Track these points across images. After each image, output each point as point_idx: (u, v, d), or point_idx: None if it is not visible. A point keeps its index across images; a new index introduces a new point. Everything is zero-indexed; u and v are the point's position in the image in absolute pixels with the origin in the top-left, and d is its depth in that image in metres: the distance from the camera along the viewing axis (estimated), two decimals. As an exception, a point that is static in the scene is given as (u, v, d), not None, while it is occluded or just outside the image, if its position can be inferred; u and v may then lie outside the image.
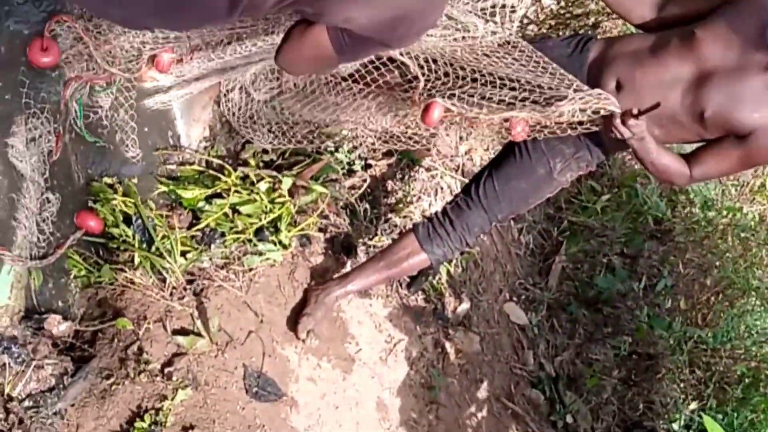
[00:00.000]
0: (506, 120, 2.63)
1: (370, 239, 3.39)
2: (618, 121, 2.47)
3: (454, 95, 2.62)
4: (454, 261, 3.70)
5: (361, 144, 3.44)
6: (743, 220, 5.18)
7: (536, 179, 2.97)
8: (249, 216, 2.90)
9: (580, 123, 2.53)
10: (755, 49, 2.62)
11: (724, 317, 4.98)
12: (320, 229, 3.24)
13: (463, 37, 2.76)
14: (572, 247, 4.41)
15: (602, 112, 2.48)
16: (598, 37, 3.09)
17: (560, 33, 3.77)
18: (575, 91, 2.52)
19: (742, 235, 5.12)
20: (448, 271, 3.67)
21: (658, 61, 2.71)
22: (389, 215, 3.52)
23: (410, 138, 2.86)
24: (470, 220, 3.01)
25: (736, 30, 2.65)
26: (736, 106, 2.62)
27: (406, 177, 3.66)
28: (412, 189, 3.66)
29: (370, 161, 3.48)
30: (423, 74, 2.66)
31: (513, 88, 2.63)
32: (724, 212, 5.11)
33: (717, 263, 4.95)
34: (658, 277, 4.63)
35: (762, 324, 5.21)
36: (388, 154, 3.56)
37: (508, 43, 2.80)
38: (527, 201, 3.05)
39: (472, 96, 2.65)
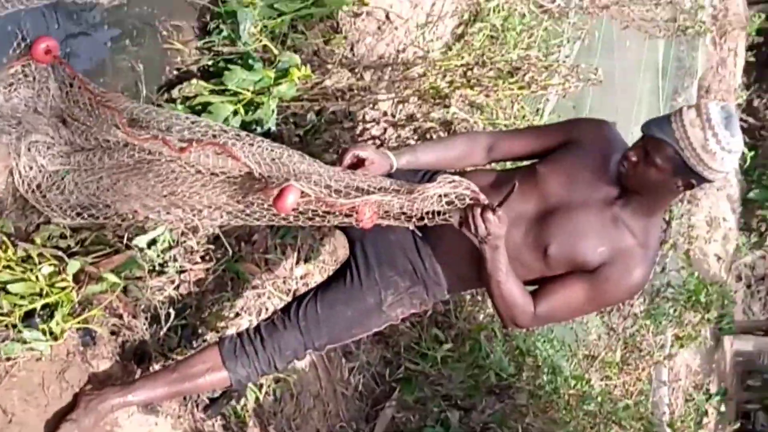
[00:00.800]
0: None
1: (171, 350, 3.04)
2: (478, 211, 2.29)
3: (309, 179, 2.38)
4: (266, 388, 3.37)
5: (179, 243, 3.17)
6: (590, 392, 5.04)
7: (364, 309, 2.75)
8: (21, 297, 2.54)
9: (438, 213, 2.33)
10: (600, 184, 2.56)
11: None
12: (112, 332, 2.89)
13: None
14: (406, 394, 4.14)
15: (467, 200, 2.31)
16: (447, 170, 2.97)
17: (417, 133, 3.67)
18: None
19: (588, 408, 4.96)
20: (257, 398, 3.32)
21: (500, 198, 2.59)
22: (199, 328, 3.19)
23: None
24: (283, 342, 2.74)
25: (580, 165, 2.60)
26: (580, 242, 2.53)
27: (228, 290, 3.35)
28: (232, 305, 3.35)
29: (185, 265, 3.17)
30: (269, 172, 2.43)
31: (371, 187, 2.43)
32: (572, 381, 4.96)
33: (561, 437, 4.75)
34: (495, 439, 4.37)
35: None
36: (209, 260, 3.26)
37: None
38: (350, 331, 2.81)
39: (330, 181, 2.42)
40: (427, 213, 2.35)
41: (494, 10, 4.17)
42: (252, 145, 2.46)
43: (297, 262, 3.73)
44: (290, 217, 2.40)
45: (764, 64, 11.50)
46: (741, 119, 10.44)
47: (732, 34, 9.87)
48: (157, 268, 3.09)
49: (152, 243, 3.05)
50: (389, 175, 2.54)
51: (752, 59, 10.41)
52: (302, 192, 2.31)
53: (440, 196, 2.32)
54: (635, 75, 7.08)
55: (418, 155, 2.73)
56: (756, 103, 11.89)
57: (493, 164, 2.87)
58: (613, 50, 6.22)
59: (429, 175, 2.76)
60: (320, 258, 3.84)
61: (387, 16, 3.89)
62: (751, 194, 9.93)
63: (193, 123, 2.58)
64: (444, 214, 2.34)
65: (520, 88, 3.49)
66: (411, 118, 3.72)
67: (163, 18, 3.24)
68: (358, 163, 2.56)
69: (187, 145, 2.47)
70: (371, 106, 3.68)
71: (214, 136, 2.50)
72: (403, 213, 2.36)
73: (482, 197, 2.31)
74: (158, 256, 3.07)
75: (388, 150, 2.69)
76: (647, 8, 4.61)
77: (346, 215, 2.35)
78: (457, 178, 2.34)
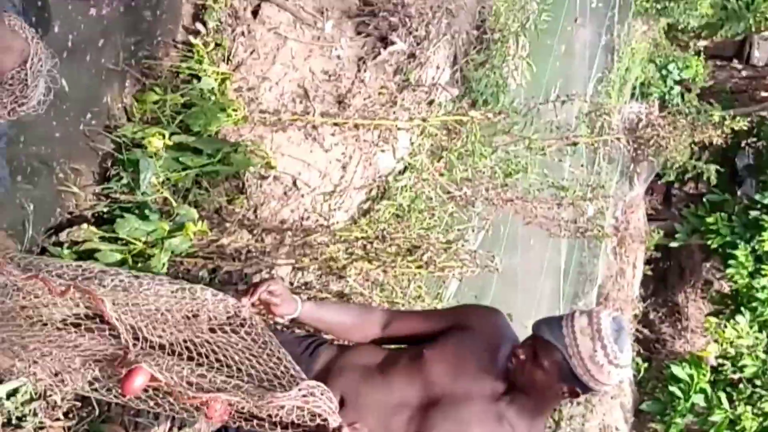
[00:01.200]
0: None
1: None
2: None
3: (162, 364, 2.24)
4: None
5: (42, 396, 2.94)
6: None
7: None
8: None
9: (293, 424, 2.19)
10: (487, 377, 2.48)
11: None
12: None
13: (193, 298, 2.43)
14: None
15: (318, 420, 2.17)
16: (333, 342, 2.86)
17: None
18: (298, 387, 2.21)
19: None
20: None
21: (385, 381, 2.52)
22: (51, 491, 2.90)
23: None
24: None
25: (468, 354, 2.52)
26: None
27: (89, 451, 3.08)
28: (93, 467, 3.08)
29: (45, 420, 2.92)
30: (133, 342, 2.30)
31: (230, 375, 2.30)
32: None
33: None
34: None
35: None
36: (72, 417, 3.02)
37: (237, 315, 2.48)
38: None
39: (183, 369, 2.28)
40: (281, 422, 2.21)
41: (402, 190, 4.22)
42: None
43: (170, 429, 3.48)
44: (133, 400, 2.26)
45: (660, 279, 11.90)
46: (636, 330, 10.65)
47: (632, 246, 10.20)
48: (13, 421, 2.85)
49: (12, 393, 2.83)
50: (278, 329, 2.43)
51: (650, 273, 10.74)
52: (152, 376, 2.19)
53: (294, 407, 2.21)
54: (537, 274, 7.20)
55: (321, 311, 2.66)
56: (651, 315, 12.19)
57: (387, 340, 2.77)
58: (517, 247, 6.33)
59: (313, 347, 2.70)
60: (196, 426, 3.59)
61: (294, 183, 3.89)
62: (644, 405, 9.95)
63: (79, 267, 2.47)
64: (298, 426, 2.22)
65: (418, 267, 3.48)
66: (307, 285, 3.65)
67: (62, 160, 3.16)
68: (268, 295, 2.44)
69: (66, 289, 2.33)
70: (268, 270, 3.60)
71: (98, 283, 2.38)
72: (255, 416, 2.24)
73: (336, 422, 2.19)
74: (17, 408, 2.84)
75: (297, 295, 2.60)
76: (549, 206, 4.73)
77: (196, 408, 2.22)
78: (318, 389, 2.22)
